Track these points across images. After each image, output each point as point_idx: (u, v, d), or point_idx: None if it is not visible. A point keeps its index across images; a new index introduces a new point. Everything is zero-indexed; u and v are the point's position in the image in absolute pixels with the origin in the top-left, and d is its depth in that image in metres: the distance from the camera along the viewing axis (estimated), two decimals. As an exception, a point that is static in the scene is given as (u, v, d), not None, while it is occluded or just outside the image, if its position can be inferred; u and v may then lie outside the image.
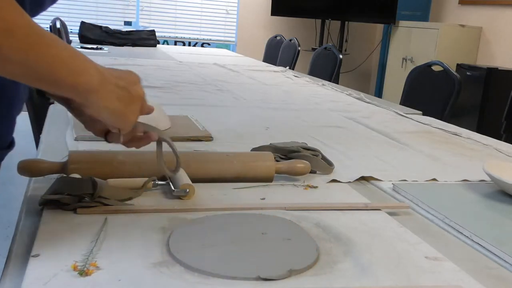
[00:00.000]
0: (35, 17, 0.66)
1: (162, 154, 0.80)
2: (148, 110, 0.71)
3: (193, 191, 0.83)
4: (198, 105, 1.72)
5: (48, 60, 0.55)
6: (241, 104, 1.80)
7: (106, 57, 2.96)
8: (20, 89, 0.70)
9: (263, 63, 3.55)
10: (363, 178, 1.04)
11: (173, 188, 0.84)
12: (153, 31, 4.05)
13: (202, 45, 5.46)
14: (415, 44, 4.82)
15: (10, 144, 0.70)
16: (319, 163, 1.03)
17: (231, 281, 0.59)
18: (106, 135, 0.74)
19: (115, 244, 0.66)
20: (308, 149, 1.07)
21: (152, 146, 1.11)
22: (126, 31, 3.95)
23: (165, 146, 0.80)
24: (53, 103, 1.55)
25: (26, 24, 0.53)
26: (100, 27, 3.86)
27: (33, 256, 0.61)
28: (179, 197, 0.83)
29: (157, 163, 0.79)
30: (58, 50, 0.56)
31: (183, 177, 0.86)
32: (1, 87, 0.69)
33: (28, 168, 0.84)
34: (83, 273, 0.58)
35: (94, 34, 3.78)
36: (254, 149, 1.09)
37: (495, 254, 0.73)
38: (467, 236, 0.78)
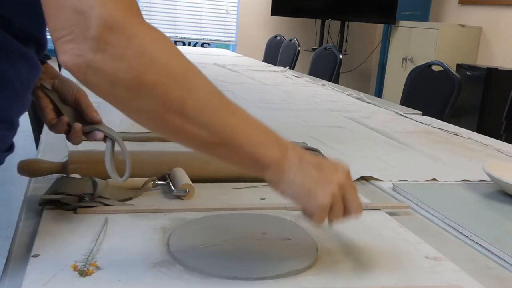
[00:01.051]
0: None
1: (112, 156, 0.72)
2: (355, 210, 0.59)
3: (193, 191, 0.83)
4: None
5: (233, 124, 0.53)
6: (241, 104, 1.79)
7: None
8: (26, 95, 0.70)
9: (263, 63, 3.55)
10: (363, 178, 1.04)
11: (173, 188, 0.84)
12: (153, 31, 4.05)
13: (202, 45, 5.45)
14: (415, 44, 4.82)
15: (10, 147, 0.70)
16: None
17: (231, 281, 0.59)
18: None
19: (115, 244, 0.66)
20: (308, 149, 1.07)
21: (152, 146, 1.11)
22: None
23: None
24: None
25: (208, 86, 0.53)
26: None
27: (33, 256, 0.61)
28: (179, 197, 0.83)
29: (105, 166, 0.70)
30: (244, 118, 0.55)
31: (183, 177, 0.85)
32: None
33: (28, 168, 0.84)
34: (83, 273, 0.58)
35: (94, 34, 3.78)
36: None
37: (495, 254, 0.73)
38: (467, 236, 0.78)
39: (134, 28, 0.49)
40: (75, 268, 0.58)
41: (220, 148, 0.53)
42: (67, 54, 0.48)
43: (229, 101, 0.54)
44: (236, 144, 0.53)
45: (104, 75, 0.48)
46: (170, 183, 0.85)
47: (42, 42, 0.69)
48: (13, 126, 0.67)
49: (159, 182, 0.86)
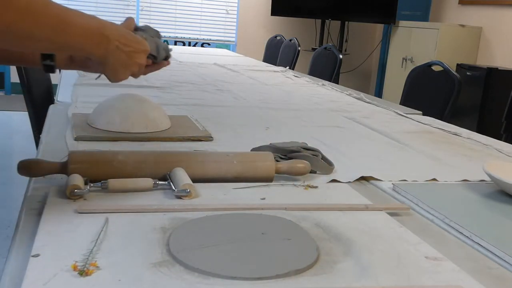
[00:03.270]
0: None
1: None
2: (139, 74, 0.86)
3: (194, 191, 0.83)
4: (198, 105, 1.71)
5: (72, 34, 0.70)
6: (241, 104, 1.80)
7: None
8: None
9: (263, 63, 3.55)
10: (363, 178, 1.04)
11: (174, 188, 0.84)
12: (153, 31, 4.05)
13: (202, 45, 5.46)
14: (415, 44, 4.82)
15: None
16: (319, 163, 1.03)
17: (231, 281, 0.59)
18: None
19: (115, 244, 0.66)
20: (308, 149, 1.07)
21: (152, 146, 1.11)
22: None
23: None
24: (53, 102, 1.55)
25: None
26: (100, 27, 3.86)
27: (33, 256, 0.61)
28: (179, 197, 0.83)
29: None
30: (79, 25, 0.71)
31: (183, 177, 0.85)
32: None
33: (28, 168, 0.84)
34: (83, 273, 0.58)
35: (94, 34, 3.77)
36: (254, 149, 1.09)
37: (495, 254, 0.73)
38: (467, 236, 0.78)
39: None
40: (75, 268, 0.58)
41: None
42: None
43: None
44: (74, 49, 0.75)
45: None
46: (171, 183, 0.85)
47: None
48: None
49: (160, 182, 0.86)
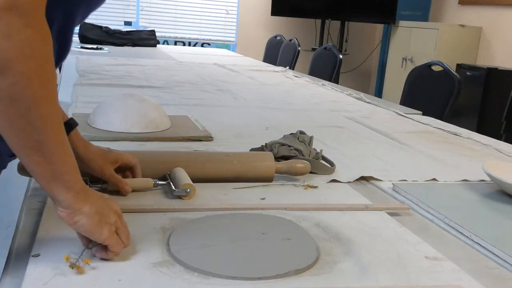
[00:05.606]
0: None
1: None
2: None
3: (194, 191, 0.83)
4: (198, 105, 1.71)
5: (54, 167, 0.56)
6: (241, 104, 1.80)
7: (106, 57, 2.95)
8: None
9: (263, 63, 3.55)
10: (363, 178, 1.04)
11: (173, 188, 0.84)
12: (153, 31, 4.05)
13: (202, 45, 5.45)
14: (415, 44, 4.82)
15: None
16: (319, 165, 1.03)
17: (231, 281, 0.59)
18: None
19: (115, 244, 0.65)
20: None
21: (152, 146, 1.11)
22: (126, 31, 3.95)
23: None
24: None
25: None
26: (100, 27, 3.86)
27: (33, 256, 0.61)
28: (179, 197, 0.83)
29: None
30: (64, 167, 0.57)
31: (183, 176, 0.85)
32: None
33: (28, 168, 0.84)
34: (74, 266, 0.58)
35: (94, 34, 3.77)
36: (253, 149, 1.09)
37: (495, 254, 0.73)
38: (467, 236, 0.78)
39: (34, 20, 0.51)
40: (67, 259, 0.58)
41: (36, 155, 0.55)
42: None
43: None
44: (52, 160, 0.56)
45: None
46: (171, 183, 0.85)
47: None
48: None
49: (160, 182, 0.86)
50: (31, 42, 0.51)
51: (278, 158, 1.02)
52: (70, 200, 0.58)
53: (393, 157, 1.22)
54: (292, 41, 3.85)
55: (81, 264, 0.59)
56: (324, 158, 1.08)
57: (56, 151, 0.56)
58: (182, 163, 0.91)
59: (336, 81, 3.07)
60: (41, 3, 0.52)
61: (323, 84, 2.50)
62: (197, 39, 5.50)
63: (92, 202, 0.60)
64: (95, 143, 1.10)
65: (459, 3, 4.92)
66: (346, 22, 5.39)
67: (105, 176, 0.81)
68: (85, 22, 3.91)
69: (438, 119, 1.80)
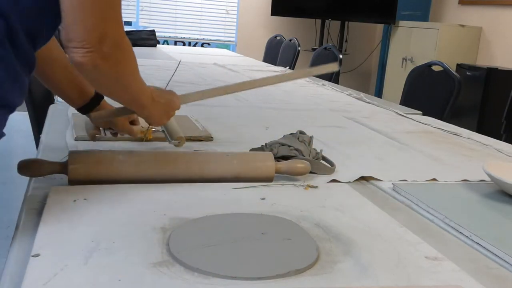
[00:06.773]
0: None
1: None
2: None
3: (183, 141, 1.06)
4: (198, 105, 1.71)
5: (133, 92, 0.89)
6: (241, 104, 1.80)
7: (106, 57, 2.95)
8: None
9: (263, 63, 3.55)
10: (363, 178, 1.04)
11: (169, 139, 1.05)
12: (153, 31, 4.05)
13: (202, 45, 5.45)
14: (415, 44, 4.82)
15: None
16: (319, 165, 1.03)
17: (231, 281, 0.59)
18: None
19: (115, 244, 0.66)
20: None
21: (152, 146, 1.11)
22: (126, 31, 3.94)
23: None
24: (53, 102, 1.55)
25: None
26: (100, 27, 3.86)
27: (33, 256, 0.61)
28: (175, 145, 1.03)
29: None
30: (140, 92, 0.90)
31: (176, 128, 1.07)
32: None
33: (28, 168, 0.85)
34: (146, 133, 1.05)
35: (94, 34, 3.77)
36: (253, 149, 1.09)
37: (495, 254, 0.73)
38: (467, 236, 0.78)
39: (125, 44, 0.78)
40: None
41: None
42: (82, 57, 0.71)
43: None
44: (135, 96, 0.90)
45: (103, 72, 0.75)
46: (166, 134, 1.06)
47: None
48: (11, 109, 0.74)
49: (154, 129, 1.11)
50: (126, 60, 0.81)
51: (278, 158, 1.02)
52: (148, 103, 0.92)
53: (393, 157, 1.22)
54: (292, 41, 3.85)
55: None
56: (324, 158, 1.08)
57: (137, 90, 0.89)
58: (182, 163, 0.91)
59: (336, 81, 3.07)
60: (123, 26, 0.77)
61: (323, 84, 2.50)
62: (197, 39, 5.50)
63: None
64: (95, 144, 1.11)
65: (459, 3, 4.92)
66: (346, 22, 5.40)
67: (124, 127, 1.09)
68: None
69: (438, 119, 1.80)
